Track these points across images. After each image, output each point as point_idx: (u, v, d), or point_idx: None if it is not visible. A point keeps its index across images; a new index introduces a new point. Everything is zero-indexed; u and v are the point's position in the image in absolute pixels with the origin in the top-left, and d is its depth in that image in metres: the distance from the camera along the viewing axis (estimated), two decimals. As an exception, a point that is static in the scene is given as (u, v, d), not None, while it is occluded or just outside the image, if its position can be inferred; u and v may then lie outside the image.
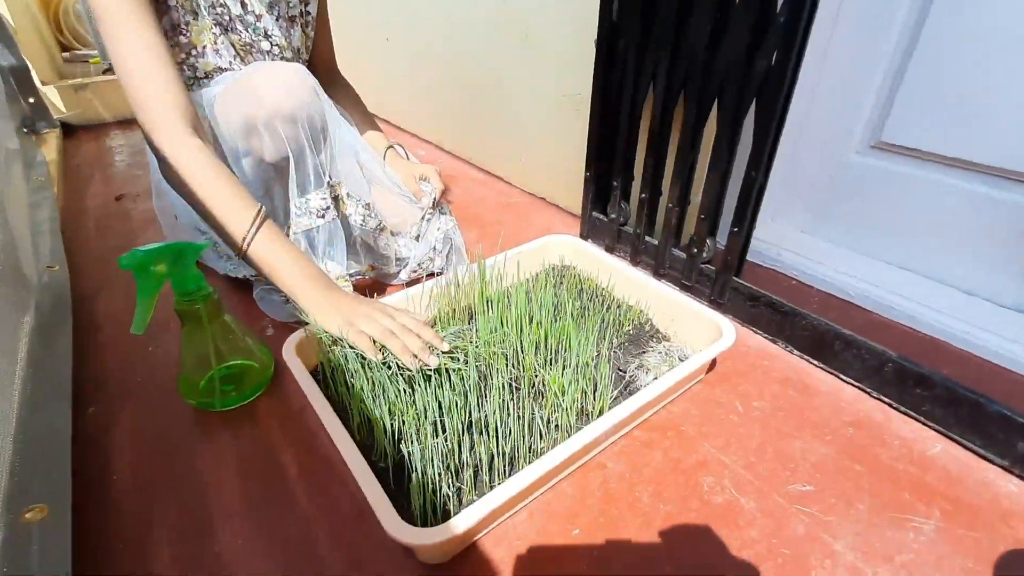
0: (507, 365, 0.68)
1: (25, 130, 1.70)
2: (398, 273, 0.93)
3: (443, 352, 0.63)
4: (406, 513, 0.53)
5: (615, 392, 0.69)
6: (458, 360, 0.63)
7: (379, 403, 0.60)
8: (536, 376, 0.67)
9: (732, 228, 0.81)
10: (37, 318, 0.80)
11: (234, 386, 0.72)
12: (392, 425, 0.59)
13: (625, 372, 0.73)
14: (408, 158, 1.05)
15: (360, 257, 0.86)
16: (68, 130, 1.82)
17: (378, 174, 0.90)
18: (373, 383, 0.61)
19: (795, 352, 0.80)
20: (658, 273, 0.97)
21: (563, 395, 0.61)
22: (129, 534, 0.57)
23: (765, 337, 0.84)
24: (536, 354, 0.70)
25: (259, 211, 0.66)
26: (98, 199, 1.33)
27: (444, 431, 0.59)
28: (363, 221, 0.82)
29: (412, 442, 0.57)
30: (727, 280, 0.85)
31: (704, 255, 0.88)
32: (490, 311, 0.72)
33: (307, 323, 0.67)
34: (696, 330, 0.76)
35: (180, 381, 0.70)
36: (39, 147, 1.59)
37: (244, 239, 0.65)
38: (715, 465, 0.64)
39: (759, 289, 0.82)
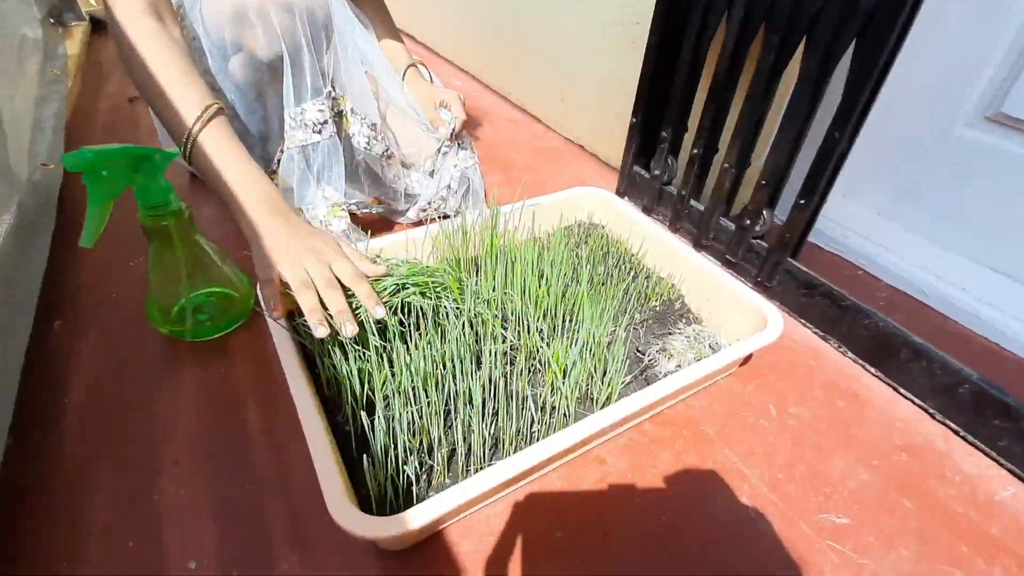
0: (503, 332, 0.58)
1: (52, 20, 1.63)
2: (406, 211, 0.83)
3: (376, 320, 0.51)
4: (364, 490, 0.46)
5: (628, 378, 0.60)
6: (405, 327, 0.53)
7: (348, 359, 0.52)
8: (537, 350, 0.57)
9: (798, 200, 0.68)
10: (18, 217, 0.74)
11: (209, 316, 0.66)
12: (360, 387, 0.51)
13: (644, 355, 0.63)
14: (432, 81, 0.93)
15: (363, 187, 0.77)
16: (97, 26, 1.74)
17: (393, 93, 0.79)
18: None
19: (849, 354, 0.68)
20: (699, 244, 0.84)
21: (565, 375, 0.52)
22: (68, 465, 0.52)
23: (815, 332, 0.72)
24: (541, 323, 0.61)
25: (210, 105, 0.56)
26: (111, 100, 1.26)
27: (419, 400, 0.51)
28: (368, 144, 0.72)
29: (377, 410, 0.49)
30: (780, 260, 0.73)
31: (757, 228, 0.75)
32: (497, 266, 0.62)
33: None
34: (735, 315, 0.65)
35: (149, 305, 0.63)
36: (63, 39, 1.53)
37: (187, 135, 0.55)
38: (734, 476, 0.54)
39: (817, 276, 0.70)
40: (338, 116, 0.71)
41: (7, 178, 0.78)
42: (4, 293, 0.62)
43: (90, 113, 1.19)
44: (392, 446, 0.47)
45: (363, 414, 0.48)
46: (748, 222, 0.75)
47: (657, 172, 0.88)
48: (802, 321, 0.73)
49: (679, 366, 0.61)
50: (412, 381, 0.51)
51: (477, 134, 1.20)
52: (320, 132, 0.67)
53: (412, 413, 0.50)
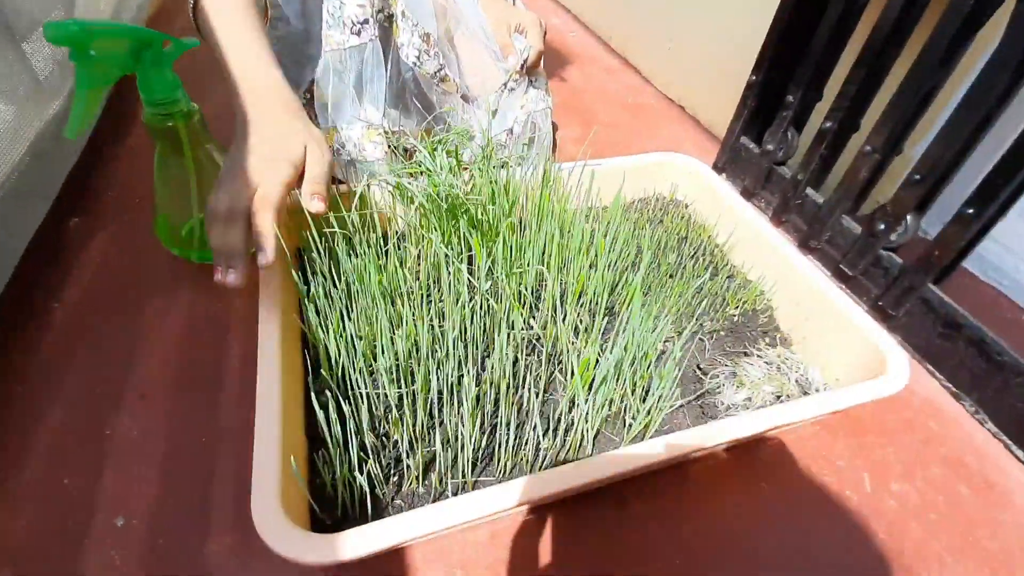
0: (525, 319, 0.47)
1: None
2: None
3: (237, 276, 0.43)
4: (321, 479, 0.38)
5: (678, 401, 0.46)
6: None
7: (327, 316, 0.43)
8: (565, 350, 0.45)
9: (964, 207, 0.49)
10: (63, 106, 0.71)
11: None
12: (337, 352, 0.42)
13: (706, 375, 0.49)
14: (515, 2, 0.79)
15: (411, 113, 0.66)
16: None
17: (464, 5, 0.66)
18: (329, 286, 0.44)
19: (989, 425, 0.51)
20: (807, 245, 0.67)
21: (589, 390, 0.40)
22: (36, 374, 0.48)
23: (946, 387, 0.54)
24: (581, 313, 0.48)
25: None
26: None
27: (404, 383, 0.41)
28: (418, 58, 0.60)
29: (351, 391, 0.39)
30: (917, 284, 0.55)
31: (893, 237, 0.57)
32: (539, 234, 0.50)
33: None
34: (840, 345, 0.49)
35: (157, 220, 0.57)
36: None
37: None
38: (797, 564, 0.41)
39: (966, 313, 0.52)
40: (388, 20, 0.59)
41: (65, 65, 0.75)
42: (31, 180, 0.59)
43: (176, 15, 1.16)
44: (359, 433, 0.38)
45: (333, 388, 0.39)
46: (882, 227, 0.57)
47: (770, 147, 0.71)
48: (930, 368, 0.55)
49: (750, 400, 0.47)
50: (397, 357, 0.41)
51: (562, 77, 1.05)
52: (360, 34, 0.56)
53: (390, 396, 0.40)
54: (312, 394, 0.39)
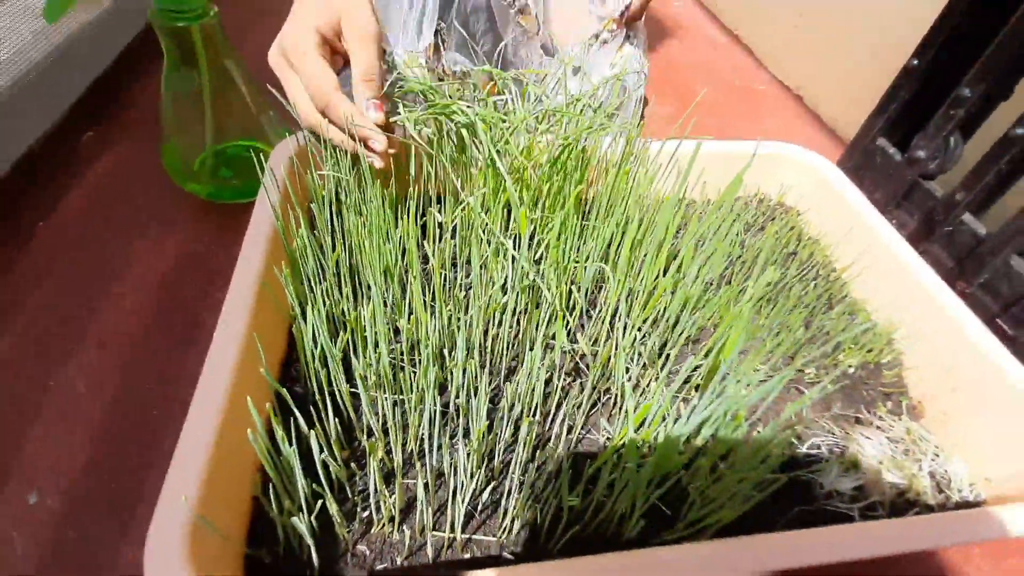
0: (565, 330, 0.35)
1: None
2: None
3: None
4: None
5: (764, 479, 0.34)
6: None
7: (312, 288, 0.33)
8: (620, 387, 0.34)
9: None
10: (112, 10, 0.64)
11: (236, 175, 0.51)
12: (312, 337, 0.32)
13: (801, 443, 0.36)
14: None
15: (475, 54, 0.55)
16: None
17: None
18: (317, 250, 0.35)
19: None
20: (952, 287, 0.52)
21: (637, 450, 0.28)
22: (3, 295, 0.41)
23: None
24: (648, 334, 0.36)
25: None
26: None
27: (390, 390, 0.31)
28: (494, -14, 0.49)
29: (324, 391, 0.30)
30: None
31: (1097, 297, 0.41)
32: (608, 221, 0.38)
33: None
34: (1000, 428, 0.35)
35: (164, 149, 0.50)
36: None
37: None
38: None
39: None
40: None
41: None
42: (52, 82, 0.52)
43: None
44: (327, 449, 0.29)
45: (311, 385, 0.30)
46: (1080, 280, 0.42)
47: (921, 154, 0.55)
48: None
49: (860, 490, 0.34)
50: (392, 354, 0.31)
51: (660, 49, 0.91)
52: None
53: (380, 405, 0.30)
54: (277, 387, 0.30)
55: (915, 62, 0.55)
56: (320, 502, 0.26)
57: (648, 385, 0.36)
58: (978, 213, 0.52)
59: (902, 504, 0.34)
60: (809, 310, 0.43)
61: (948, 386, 0.39)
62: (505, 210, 0.39)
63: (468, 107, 0.36)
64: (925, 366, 0.41)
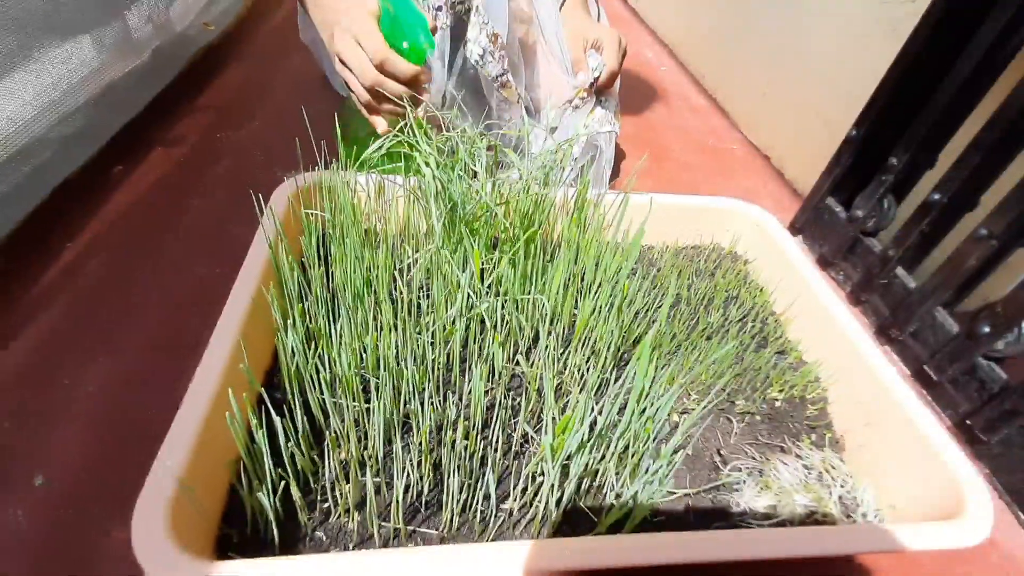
0: (504, 353, 0.40)
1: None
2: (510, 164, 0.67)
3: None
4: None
5: (684, 489, 0.38)
6: None
7: (293, 304, 0.39)
8: (541, 401, 0.38)
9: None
10: (149, 60, 0.73)
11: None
12: (292, 348, 0.37)
13: (724, 465, 0.40)
14: (599, 18, 0.74)
15: (468, 112, 0.62)
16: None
17: (544, 15, 0.62)
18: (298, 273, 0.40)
19: (1101, 617, 0.38)
20: (887, 334, 0.57)
21: (555, 455, 0.32)
22: (23, 305, 0.47)
23: (1044, 549, 0.42)
24: (578, 355, 0.41)
25: None
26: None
27: (358, 398, 0.36)
28: (482, 57, 0.57)
29: (297, 395, 0.34)
30: (1022, 408, 0.43)
31: (1000, 345, 0.46)
32: (556, 260, 0.43)
33: None
34: (906, 468, 0.39)
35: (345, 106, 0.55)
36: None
37: None
38: None
39: (1090, 462, 0.40)
40: (466, 12, 0.56)
41: (166, 30, 0.78)
42: (93, 119, 0.60)
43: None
44: (292, 443, 0.33)
45: (291, 390, 0.35)
46: (987, 329, 0.46)
47: (860, 213, 0.61)
48: (1023, 518, 0.43)
49: (774, 508, 0.38)
50: (359, 365, 0.36)
51: (643, 110, 0.99)
52: (435, 17, 0.53)
53: (346, 410, 0.35)
54: (262, 391, 0.35)
55: (854, 132, 0.62)
56: (284, 483, 0.30)
57: (576, 400, 0.40)
58: (910, 268, 0.57)
59: (810, 524, 0.38)
60: (744, 348, 0.48)
61: (863, 421, 0.43)
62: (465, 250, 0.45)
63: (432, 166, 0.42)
64: (845, 403, 0.45)
